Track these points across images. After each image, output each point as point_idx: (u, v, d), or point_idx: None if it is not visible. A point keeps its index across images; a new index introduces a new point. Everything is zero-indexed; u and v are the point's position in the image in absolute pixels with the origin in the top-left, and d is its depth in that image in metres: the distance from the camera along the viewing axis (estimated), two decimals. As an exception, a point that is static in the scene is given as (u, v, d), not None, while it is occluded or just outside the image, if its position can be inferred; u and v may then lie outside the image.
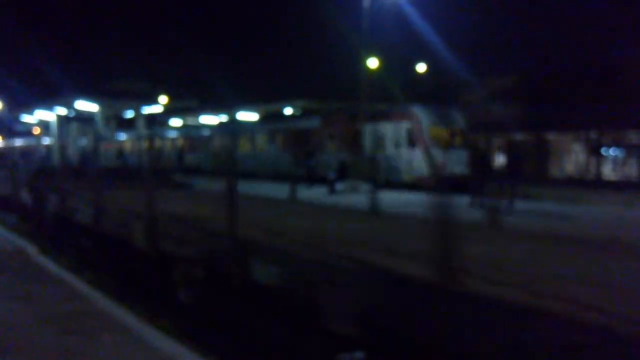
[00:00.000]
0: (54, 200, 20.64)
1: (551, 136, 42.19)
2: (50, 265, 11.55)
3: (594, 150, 39.68)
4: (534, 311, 5.70)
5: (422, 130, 28.57)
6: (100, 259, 15.14)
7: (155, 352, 6.39)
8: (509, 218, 14.98)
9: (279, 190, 22.78)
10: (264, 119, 43.72)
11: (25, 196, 24.61)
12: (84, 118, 48.33)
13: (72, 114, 47.19)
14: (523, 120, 38.57)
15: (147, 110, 45.81)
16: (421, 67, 40.91)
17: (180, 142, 50.52)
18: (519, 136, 42.20)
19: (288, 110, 42.98)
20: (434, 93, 41.18)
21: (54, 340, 6.68)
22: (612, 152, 40.62)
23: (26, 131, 68.57)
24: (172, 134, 52.31)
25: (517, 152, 20.51)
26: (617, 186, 32.34)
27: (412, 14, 35.49)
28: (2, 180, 29.22)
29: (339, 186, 25.92)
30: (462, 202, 19.48)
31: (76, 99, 41.44)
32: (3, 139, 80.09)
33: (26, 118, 57.47)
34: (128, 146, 53.90)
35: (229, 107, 47.05)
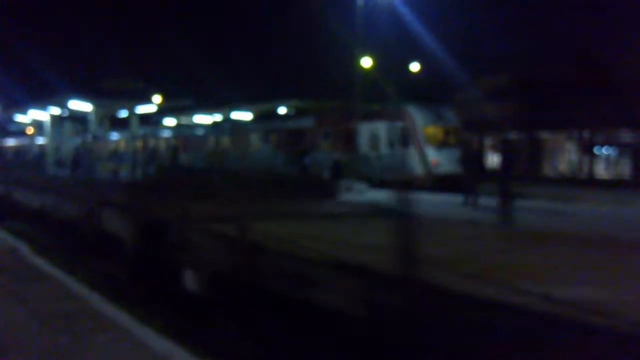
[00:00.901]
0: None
1: (544, 135, 42.31)
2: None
3: (587, 149, 39.81)
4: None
5: (416, 130, 28.62)
6: None
7: (149, 350, 6.41)
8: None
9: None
10: (258, 119, 43.74)
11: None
12: (78, 118, 48.27)
13: (66, 114, 47.12)
14: (516, 119, 38.66)
15: (141, 109, 45.78)
16: (415, 67, 40.99)
17: (174, 142, 50.46)
18: (512, 135, 42.33)
19: (282, 110, 42.99)
20: (428, 92, 41.25)
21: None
22: (604, 151, 40.77)
23: (19, 131, 68.42)
24: (166, 134, 52.27)
25: (509, 151, 20.63)
26: (610, 185, 32.49)
27: (406, 13, 35.59)
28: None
29: (333, 185, 25.94)
30: (456, 200, 19.60)
31: (70, 99, 41.39)
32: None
33: (20, 118, 57.37)
34: (122, 146, 53.83)
35: (223, 106, 47.03)
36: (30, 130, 62.52)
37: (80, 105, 41.95)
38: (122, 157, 46.86)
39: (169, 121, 52.37)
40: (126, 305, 8.86)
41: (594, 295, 6.47)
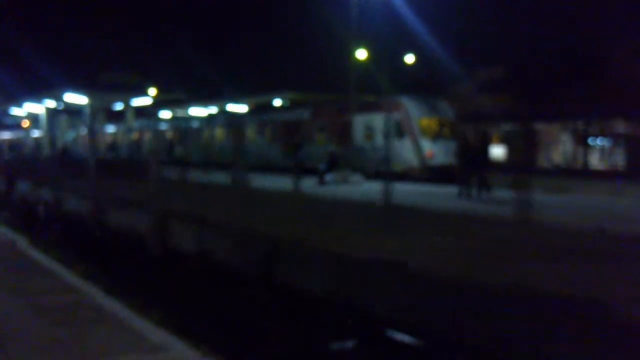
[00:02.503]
0: None
1: (539, 126, 42.45)
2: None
3: (581, 140, 39.98)
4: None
5: (411, 121, 28.75)
6: None
7: (147, 342, 6.53)
8: (482, 206, 15.59)
9: (271, 182, 22.97)
10: (253, 111, 43.77)
11: None
12: (73, 110, 48.27)
13: (61, 107, 47.10)
14: (511, 110, 38.78)
15: (137, 102, 45.81)
16: (410, 58, 41.02)
17: (169, 135, 50.50)
18: (507, 126, 42.47)
19: (277, 102, 43.03)
20: (423, 84, 41.34)
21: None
22: (599, 141, 40.94)
23: (15, 124, 68.32)
24: (162, 126, 52.32)
25: (484, 141, 21.15)
26: (604, 175, 32.68)
27: (401, 4, 35.63)
28: None
29: (329, 177, 26.10)
30: (451, 191, 19.76)
31: (65, 92, 41.35)
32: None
33: (15, 111, 57.28)
34: (118, 139, 53.87)
35: (219, 99, 47.05)
36: (25, 124, 62.43)
37: (75, 98, 41.92)
38: (119, 150, 46.80)
39: (165, 114, 52.37)
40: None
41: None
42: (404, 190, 19.88)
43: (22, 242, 13.61)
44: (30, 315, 7.48)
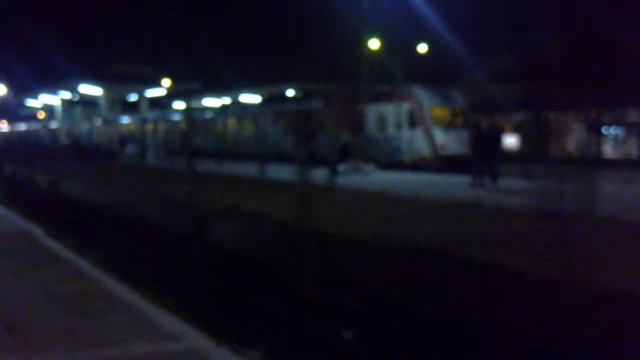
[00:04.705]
0: None
1: (552, 115, 42.25)
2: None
3: (595, 129, 39.76)
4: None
5: (423, 111, 28.75)
6: None
7: (160, 330, 6.69)
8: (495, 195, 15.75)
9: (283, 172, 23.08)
10: (266, 101, 43.91)
11: None
12: (88, 102, 48.61)
13: (77, 98, 47.44)
14: (524, 99, 38.64)
15: (151, 93, 46.05)
16: (422, 48, 40.93)
17: (183, 125, 50.73)
18: (520, 115, 42.37)
19: (290, 92, 43.16)
20: (435, 73, 41.27)
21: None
22: (612, 130, 40.69)
23: (31, 116, 68.86)
24: (176, 117, 52.59)
25: (496, 130, 21.22)
26: (618, 164, 32.53)
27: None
28: None
29: (341, 167, 26.20)
30: (463, 181, 19.76)
31: (80, 83, 41.68)
32: (8, 123, 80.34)
33: (31, 102, 57.76)
34: (132, 130, 54.16)
35: (232, 89, 47.23)
36: (41, 115, 62.97)
37: (90, 90, 42.26)
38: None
39: (179, 105, 52.67)
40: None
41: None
42: (418, 181, 19.95)
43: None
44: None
